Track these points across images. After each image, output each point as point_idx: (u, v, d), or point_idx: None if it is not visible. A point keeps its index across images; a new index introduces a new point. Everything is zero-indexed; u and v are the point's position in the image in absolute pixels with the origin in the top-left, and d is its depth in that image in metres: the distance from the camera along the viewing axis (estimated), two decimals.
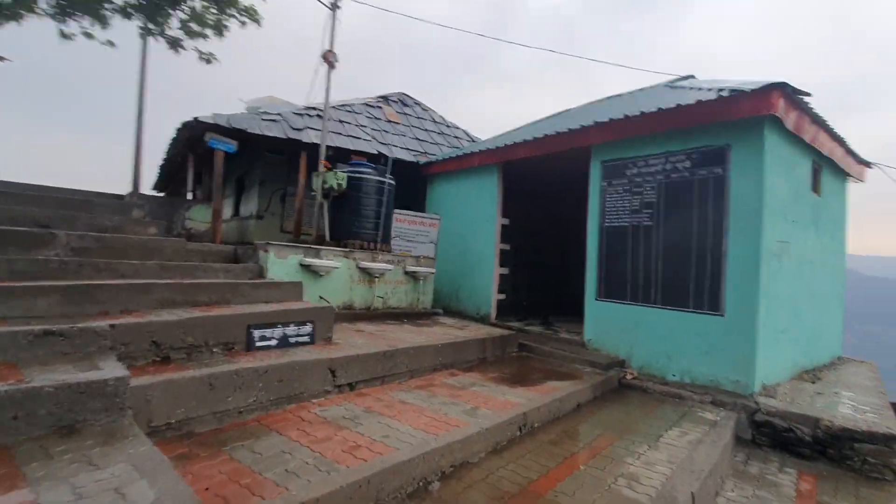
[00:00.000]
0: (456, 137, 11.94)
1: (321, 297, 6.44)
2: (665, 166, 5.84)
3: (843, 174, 7.26)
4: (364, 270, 6.95)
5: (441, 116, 12.50)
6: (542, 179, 9.39)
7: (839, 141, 6.37)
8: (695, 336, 5.44)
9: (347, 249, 6.87)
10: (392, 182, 8.06)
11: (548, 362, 6.16)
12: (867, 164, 7.57)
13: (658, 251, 5.85)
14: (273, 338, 4.38)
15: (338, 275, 6.66)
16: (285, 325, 4.48)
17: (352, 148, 8.78)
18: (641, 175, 6.08)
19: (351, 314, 6.62)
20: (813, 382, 6.01)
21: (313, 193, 7.73)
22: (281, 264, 6.04)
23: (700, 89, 6.29)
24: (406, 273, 7.58)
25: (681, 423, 4.50)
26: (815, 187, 6.47)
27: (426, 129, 11.45)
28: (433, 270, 7.88)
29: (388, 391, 4.37)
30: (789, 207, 5.60)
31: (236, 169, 12.51)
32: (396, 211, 8.17)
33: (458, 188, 9.10)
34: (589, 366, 5.96)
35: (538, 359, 6.31)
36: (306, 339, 4.66)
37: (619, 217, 6.29)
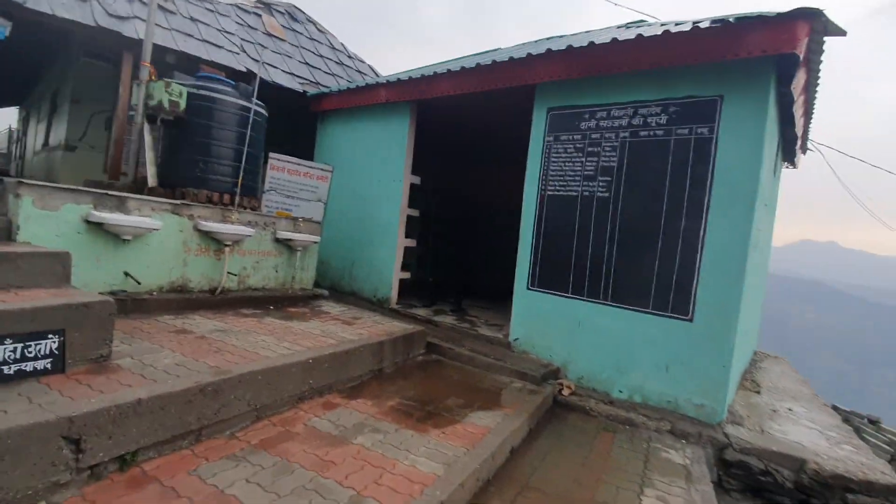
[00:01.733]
0: (359, 72, 9.65)
1: (127, 274, 4.14)
2: (632, 120, 4.42)
3: (786, 157, 6.55)
4: (208, 235, 4.72)
5: (342, 44, 10.05)
6: (466, 129, 7.66)
7: (809, 116, 5.48)
8: (652, 345, 4.23)
9: (179, 202, 4.55)
10: (262, 111, 5.75)
11: (465, 372, 4.61)
12: (804, 151, 6.97)
13: (614, 232, 4.49)
14: None
15: (160, 240, 4.36)
16: None
17: (206, 58, 6.20)
18: (600, 130, 4.62)
19: (183, 301, 4.41)
20: (757, 392, 5.24)
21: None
22: (47, 219, 3.62)
23: (670, 25, 4.92)
24: (277, 241, 5.47)
25: (649, 476, 3.22)
26: (775, 168, 5.58)
27: (320, 55, 9.00)
28: (317, 238, 5.86)
29: (199, 462, 2.44)
30: (765, 187, 4.53)
31: (52, 80, 8.98)
32: (273, 156, 5.92)
33: (359, 133, 7.01)
34: (518, 377, 4.52)
35: (452, 367, 4.73)
36: (44, 364, 2.50)
37: (567, 184, 4.81)
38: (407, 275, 6.61)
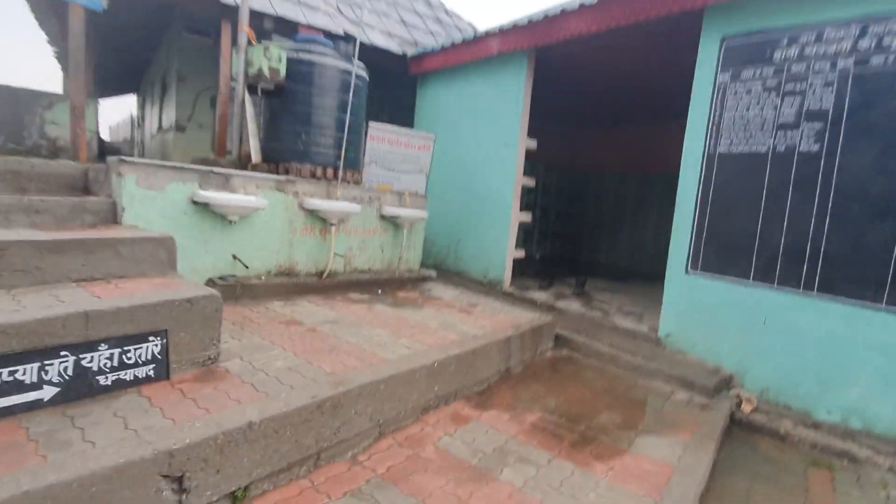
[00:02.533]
0: (458, 29, 8.80)
1: (235, 258, 3.83)
2: (859, 43, 3.14)
3: None
4: (313, 213, 4.30)
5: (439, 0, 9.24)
6: (598, 78, 6.52)
7: None
8: (882, 353, 3.06)
9: (284, 178, 4.15)
10: (364, 75, 5.19)
11: (608, 375, 3.78)
12: None
13: (826, 199, 3.30)
14: (46, 381, 1.84)
15: (265, 220, 4.01)
16: (90, 345, 1.94)
17: (303, 21, 5.75)
18: (806, 60, 3.38)
19: (290, 285, 4.06)
20: None
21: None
22: (152, 200, 3.35)
23: None
24: (382, 218, 4.96)
25: None
26: None
27: (417, 13, 8.28)
28: (425, 214, 5.27)
29: (320, 499, 1.93)
30: None
31: (160, 62, 9.29)
32: (372, 125, 5.39)
33: (465, 94, 6.24)
34: (680, 385, 3.60)
35: (590, 367, 3.92)
36: (146, 371, 2.12)
37: (751, 136, 3.66)
38: (521, 253, 5.83)
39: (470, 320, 3.87)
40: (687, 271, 4.03)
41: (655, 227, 8.54)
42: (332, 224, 4.36)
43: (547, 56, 5.38)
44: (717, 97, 3.83)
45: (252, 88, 4.56)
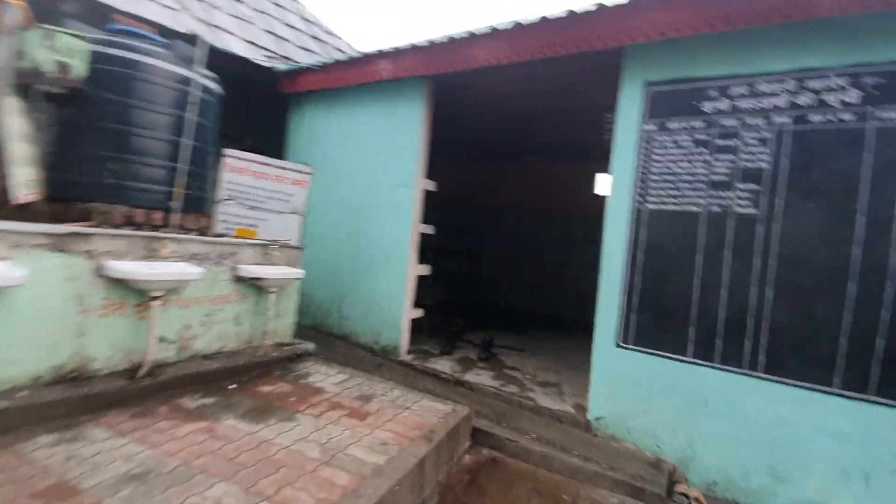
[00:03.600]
0: (339, 50, 7.81)
1: None
2: (796, 98, 2.91)
3: None
4: (122, 283, 2.87)
5: (316, 17, 8.18)
6: (506, 114, 6.00)
7: None
8: (839, 441, 2.74)
9: (68, 230, 2.69)
10: (214, 87, 3.93)
11: (544, 486, 2.98)
12: None
13: (766, 267, 2.97)
14: None
15: (30, 297, 2.50)
16: None
17: (122, 8, 4.25)
18: (738, 114, 3.08)
19: (75, 399, 2.56)
20: None
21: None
22: None
23: None
24: (239, 280, 3.66)
25: None
26: None
27: (290, 25, 7.11)
28: (299, 273, 4.08)
29: None
30: None
31: None
32: (230, 153, 4.12)
33: (350, 122, 5.24)
34: (627, 492, 2.94)
35: (522, 477, 3.08)
36: None
37: (681, 194, 3.26)
38: (420, 312, 4.91)
39: (366, 431, 2.79)
40: (618, 344, 3.47)
41: (556, 269, 8.34)
42: (155, 297, 2.96)
43: (448, 86, 4.68)
44: (642, 148, 3.41)
45: (25, 89, 3.02)
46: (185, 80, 3.59)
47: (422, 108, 4.61)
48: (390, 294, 4.78)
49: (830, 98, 2.82)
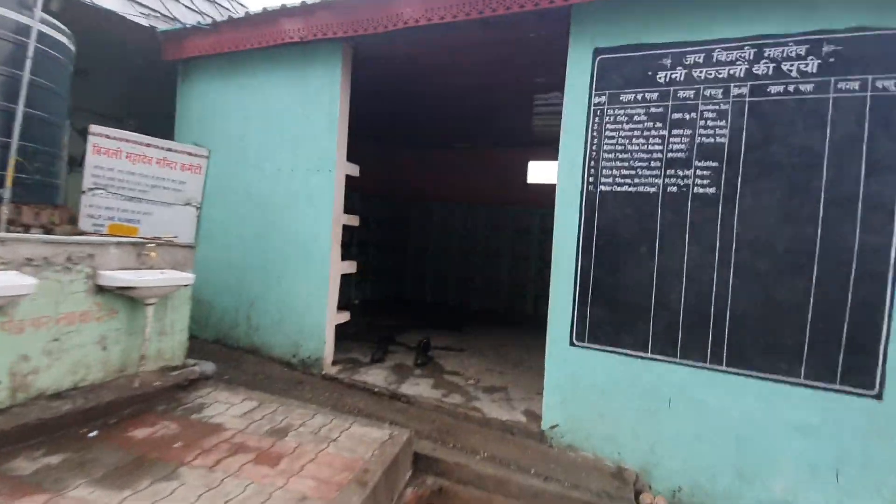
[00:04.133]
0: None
1: None
2: (754, 68, 2.68)
3: None
4: None
5: None
6: (433, 95, 5.44)
7: None
8: (805, 435, 2.58)
9: None
10: (63, 41, 3.01)
11: None
12: None
13: (727, 251, 2.74)
14: None
15: None
16: None
17: None
18: (694, 84, 2.81)
19: None
20: None
21: None
22: None
23: None
24: (102, 291, 2.81)
25: None
26: None
27: None
28: (188, 278, 3.28)
29: None
30: None
31: None
32: (96, 130, 3.20)
33: (252, 95, 4.42)
34: None
35: None
36: None
37: (636, 173, 2.95)
38: (346, 316, 4.27)
39: (278, 482, 2.15)
40: (572, 342, 3.12)
41: (487, 261, 7.99)
42: None
43: (370, 54, 4.05)
44: (593, 123, 3.06)
45: None
46: (21, 29, 2.66)
47: (339, 77, 3.94)
48: (310, 297, 4.10)
49: (789, 67, 2.61)
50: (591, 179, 3.06)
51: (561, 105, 3.14)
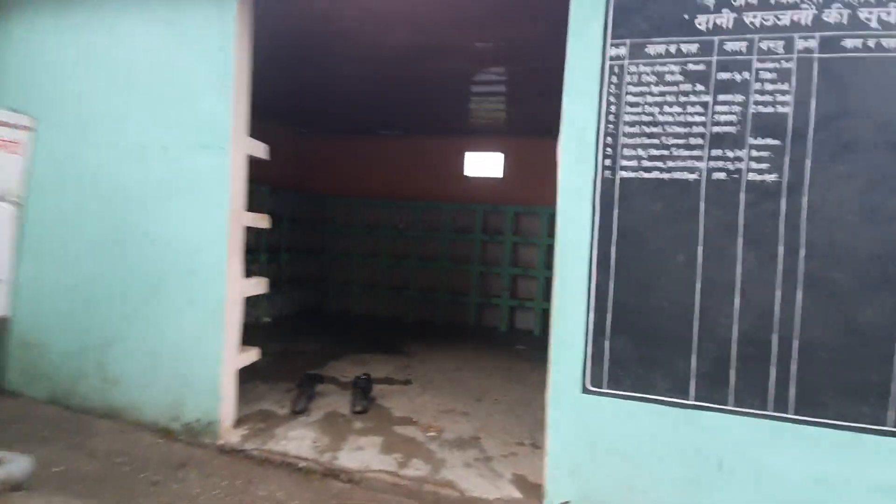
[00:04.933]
0: None
1: None
2: (824, 13, 2.00)
3: None
4: None
5: None
6: (356, 62, 4.27)
7: None
8: (892, 495, 1.96)
9: None
10: None
11: None
12: None
13: (795, 263, 2.04)
14: None
15: None
16: None
17: None
18: (746, 32, 2.07)
19: None
20: None
21: None
22: None
23: None
24: None
25: None
26: None
27: None
28: None
29: None
30: None
31: None
32: None
33: (97, 37, 3.01)
34: None
35: None
36: None
37: (668, 153, 2.15)
38: (253, 355, 3.06)
39: None
40: (586, 388, 2.26)
41: (421, 265, 7.00)
42: None
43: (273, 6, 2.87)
44: (609, 84, 2.22)
45: None
46: None
47: (233, 20, 2.72)
48: (197, 333, 2.83)
49: (868, 15, 1.96)
50: (607, 162, 2.22)
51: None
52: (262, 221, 3.09)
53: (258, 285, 3.04)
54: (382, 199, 7.21)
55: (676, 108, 2.14)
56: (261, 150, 3.01)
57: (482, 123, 6.37)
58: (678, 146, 2.14)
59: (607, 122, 2.22)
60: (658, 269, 2.17)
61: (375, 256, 7.17)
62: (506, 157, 6.88)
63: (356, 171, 7.36)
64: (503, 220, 6.72)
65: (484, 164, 7.02)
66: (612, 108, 2.21)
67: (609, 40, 2.20)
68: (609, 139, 2.21)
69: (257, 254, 5.71)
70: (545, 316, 6.64)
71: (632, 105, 2.18)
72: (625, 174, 2.20)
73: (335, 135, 7.41)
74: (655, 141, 2.16)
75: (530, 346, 5.70)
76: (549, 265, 6.60)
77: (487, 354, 5.26)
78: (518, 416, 3.39)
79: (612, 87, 2.20)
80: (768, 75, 2.05)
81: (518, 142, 6.75)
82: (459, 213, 6.94)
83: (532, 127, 6.24)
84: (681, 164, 2.14)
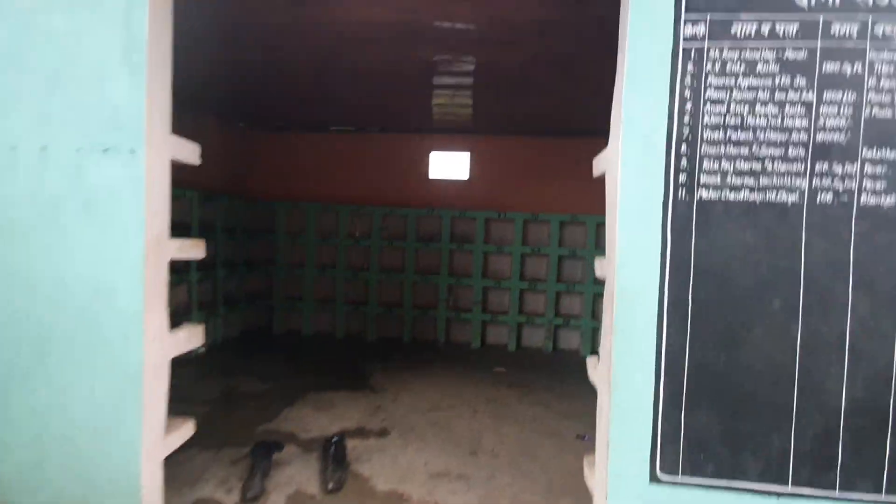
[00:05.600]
0: None
1: None
2: None
3: None
4: None
5: None
6: (309, 28, 3.48)
7: None
8: None
9: None
10: None
11: None
12: None
13: None
14: None
15: None
16: None
17: None
18: (857, 10, 1.60)
19: None
20: None
21: None
22: None
23: None
24: None
25: None
26: None
27: None
28: None
29: None
30: None
31: None
32: None
33: None
34: None
35: None
36: None
37: (762, 168, 1.64)
38: (185, 433, 2.26)
39: None
40: (655, 476, 1.72)
41: (383, 277, 6.28)
42: None
43: None
44: (683, 74, 1.67)
45: None
46: None
47: None
48: (102, 412, 2.00)
49: None
50: (682, 178, 1.68)
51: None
52: (193, 250, 2.30)
53: (191, 338, 2.24)
54: (337, 204, 6.39)
55: (771, 108, 1.63)
56: (189, 152, 2.21)
57: (446, 120, 5.75)
58: (774, 158, 1.64)
59: (680, 122, 1.67)
60: (748, 319, 1.67)
61: (330, 268, 6.35)
62: (472, 157, 6.31)
63: (306, 173, 6.48)
64: (472, 227, 6.15)
65: (450, 166, 6.40)
66: (688, 105, 1.66)
67: (683, 16, 1.66)
68: (684, 147, 1.67)
69: (185, 274, 4.75)
70: (520, 330, 6.21)
71: (714, 102, 1.65)
72: (705, 194, 1.67)
73: (281, 130, 6.48)
74: (745, 151, 1.65)
75: (510, 367, 5.19)
76: (523, 276, 6.12)
77: (465, 380, 4.68)
78: (526, 475, 2.83)
79: (689, 77, 1.66)
80: (886, 68, 1.59)
81: (487, 141, 6.20)
82: (425, 220, 6.29)
83: (502, 125, 5.72)
84: (777, 181, 1.64)
